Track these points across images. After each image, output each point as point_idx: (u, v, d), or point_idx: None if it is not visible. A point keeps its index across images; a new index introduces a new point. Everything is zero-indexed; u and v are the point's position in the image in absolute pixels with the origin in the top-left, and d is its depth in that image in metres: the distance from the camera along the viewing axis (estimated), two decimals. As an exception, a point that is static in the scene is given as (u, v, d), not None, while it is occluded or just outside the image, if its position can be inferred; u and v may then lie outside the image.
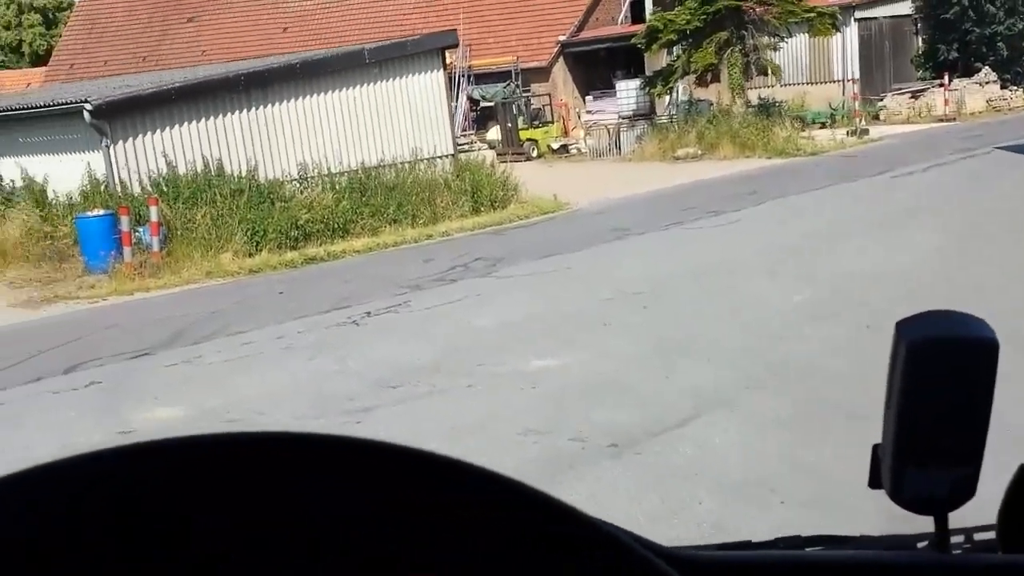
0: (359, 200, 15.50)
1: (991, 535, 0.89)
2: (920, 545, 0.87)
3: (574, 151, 27.95)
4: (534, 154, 27.45)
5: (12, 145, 16.07)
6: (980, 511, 0.86)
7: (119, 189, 14.29)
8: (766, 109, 24.97)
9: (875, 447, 0.83)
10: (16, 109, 15.61)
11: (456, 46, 19.25)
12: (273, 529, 0.53)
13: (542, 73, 31.99)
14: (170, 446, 0.52)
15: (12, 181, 15.81)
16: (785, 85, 28.16)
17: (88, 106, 13.84)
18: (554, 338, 7.95)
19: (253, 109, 15.86)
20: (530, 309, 9.23)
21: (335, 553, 0.54)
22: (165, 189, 14.29)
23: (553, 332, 8.19)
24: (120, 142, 14.43)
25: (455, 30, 19.02)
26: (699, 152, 23.07)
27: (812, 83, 31.66)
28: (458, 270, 11.83)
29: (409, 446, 0.55)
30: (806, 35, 26.80)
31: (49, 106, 14.87)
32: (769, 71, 24.84)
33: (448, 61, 19.88)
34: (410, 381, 7.12)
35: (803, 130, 25.01)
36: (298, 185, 15.62)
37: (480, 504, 0.55)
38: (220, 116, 15.46)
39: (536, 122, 28.61)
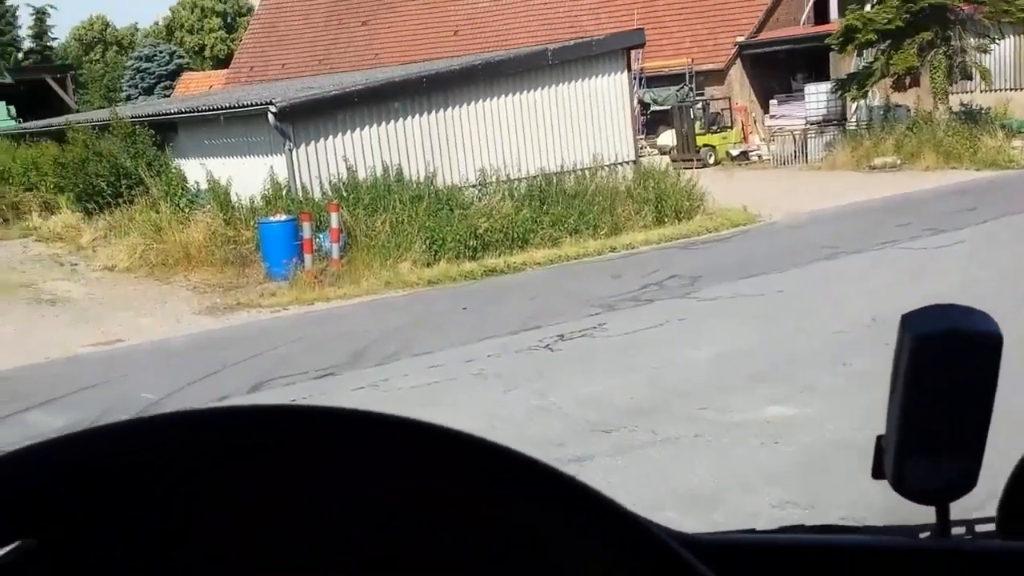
0: (539, 209, 14.77)
1: (992, 527, 0.90)
2: (922, 535, 0.88)
3: (754, 158, 26.51)
4: (711, 161, 26.18)
5: (198, 146, 16.20)
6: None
7: (300, 194, 14.05)
8: (972, 116, 22.85)
9: (879, 438, 0.83)
10: (202, 111, 15.67)
11: (643, 46, 18.31)
12: (276, 516, 0.51)
13: (718, 76, 30.59)
14: (180, 420, 0.51)
15: (196, 183, 15.90)
16: (985, 91, 25.78)
17: (273, 108, 13.64)
18: (786, 379, 6.91)
19: (433, 112, 15.38)
20: (747, 340, 8.20)
21: (335, 552, 0.52)
22: (345, 195, 13.95)
23: (782, 371, 7.14)
24: (302, 145, 14.19)
25: (642, 29, 18.07)
26: (898, 161, 21.28)
27: (1017, 88, 28.99)
28: (652, 289, 10.89)
29: (455, 430, 0.51)
30: (1013, 36, 24.47)
31: (234, 107, 14.81)
32: (977, 75, 22.71)
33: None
34: (625, 425, 6.24)
35: (1009, 139, 22.76)
36: (476, 192, 15.03)
37: (511, 499, 0.53)
38: (400, 119, 15.04)
39: (714, 127, 27.31)
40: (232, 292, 12.47)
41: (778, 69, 30.68)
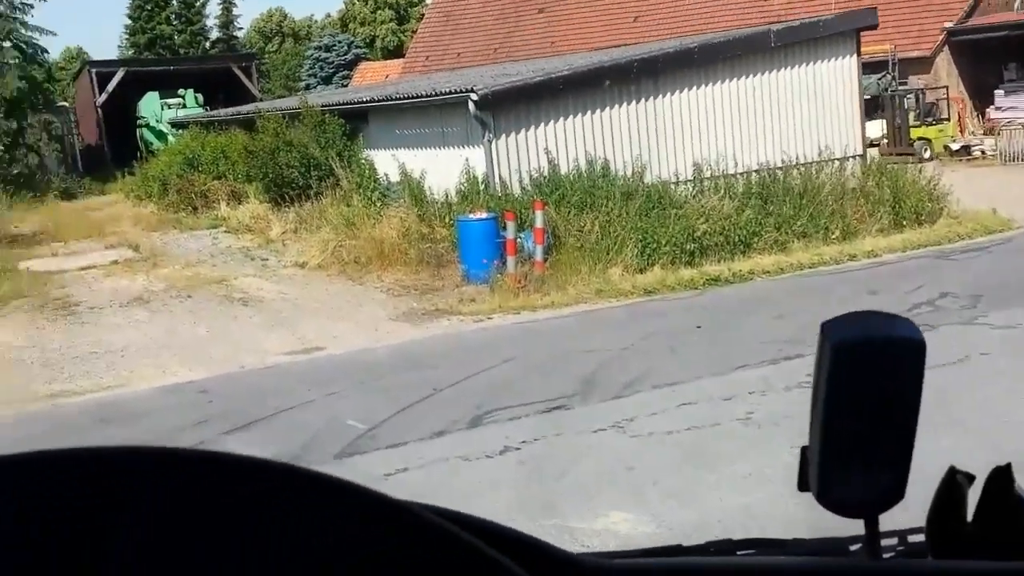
0: (761, 209, 13.12)
1: (923, 537, 0.89)
2: (853, 548, 0.88)
3: (976, 153, 23.80)
4: (926, 155, 23.63)
5: (389, 137, 15.35)
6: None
7: (498, 189, 12.92)
8: None
9: (803, 449, 0.82)
10: (397, 99, 14.77)
11: (875, 27, 16.31)
12: None
13: (923, 64, 27.93)
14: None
15: (386, 175, 15.05)
16: None
17: (474, 96, 12.53)
18: None
19: (641, 100, 13.94)
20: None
21: None
22: (547, 191, 12.72)
23: None
24: (502, 136, 13.05)
25: (874, 9, 16.04)
26: None
27: None
28: (924, 311, 9.12)
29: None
30: None
31: (430, 96, 13.81)
32: None
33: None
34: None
35: None
36: (690, 189, 13.51)
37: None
38: (607, 108, 13.68)
39: (929, 118, 24.72)
40: (428, 296, 11.44)
41: (989, 58, 27.74)
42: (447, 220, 12.83)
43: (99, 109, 33.44)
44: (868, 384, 0.77)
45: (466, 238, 11.90)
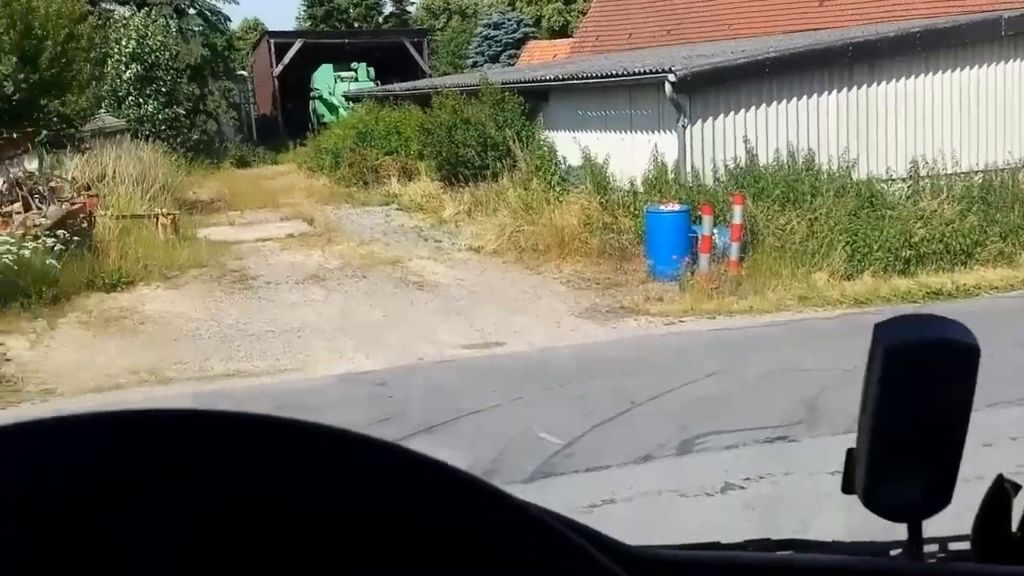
0: (986, 215, 11.72)
1: (966, 545, 0.87)
2: (893, 553, 0.85)
3: None
4: None
5: (570, 118, 14.61)
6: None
7: (689, 179, 11.99)
8: None
9: (849, 451, 0.81)
10: (584, 78, 14.00)
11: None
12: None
13: None
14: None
15: (564, 158, 14.33)
16: None
17: (671, 77, 11.62)
18: None
19: (853, 88, 12.70)
20: None
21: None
22: (745, 183, 11.71)
23: None
24: (698, 121, 12.10)
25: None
26: None
27: None
28: None
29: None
30: None
31: (622, 75, 12.97)
32: None
33: None
34: None
35: None
36: (904, 188, 12.21)
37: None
38: (813, 96, 12.52)
39: None
40: (611, 291, 10.66)
41: None
42: (632, 209, 12.01)
43: (275, 80, 34.11)
44: (919, 387, 0.75)
45: (655, 231, 11.05)
